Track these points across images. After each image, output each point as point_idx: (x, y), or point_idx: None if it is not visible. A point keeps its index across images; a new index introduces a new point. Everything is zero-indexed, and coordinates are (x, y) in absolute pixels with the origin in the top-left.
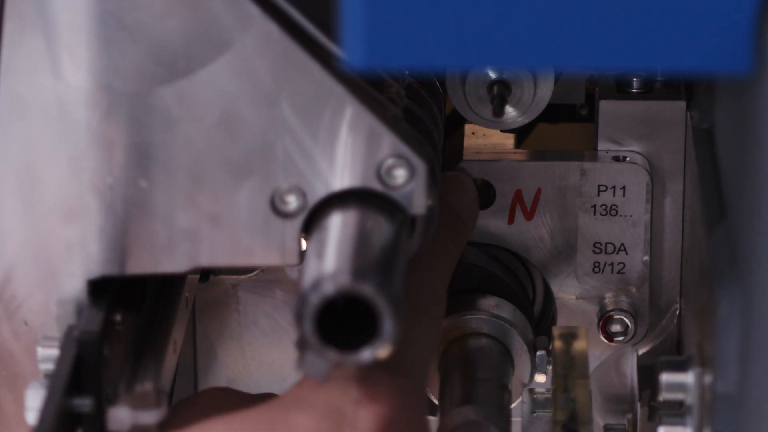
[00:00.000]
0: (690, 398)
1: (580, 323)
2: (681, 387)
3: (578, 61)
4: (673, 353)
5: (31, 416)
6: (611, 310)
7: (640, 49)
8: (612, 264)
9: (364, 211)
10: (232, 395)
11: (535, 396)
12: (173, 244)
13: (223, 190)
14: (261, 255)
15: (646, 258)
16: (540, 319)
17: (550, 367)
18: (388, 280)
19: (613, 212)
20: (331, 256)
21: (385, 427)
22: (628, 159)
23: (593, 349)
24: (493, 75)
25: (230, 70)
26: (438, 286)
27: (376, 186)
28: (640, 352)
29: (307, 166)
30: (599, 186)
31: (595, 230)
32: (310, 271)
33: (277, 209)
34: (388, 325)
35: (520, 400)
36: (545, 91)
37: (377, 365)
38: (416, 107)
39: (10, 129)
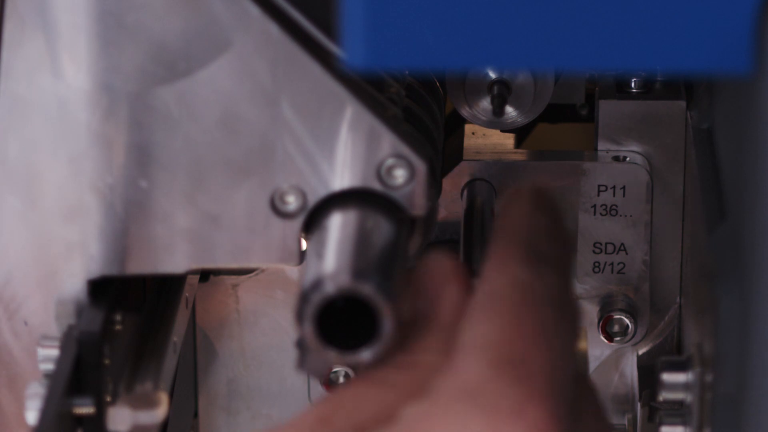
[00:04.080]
0: (690, 398)
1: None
2: (681, 387)
3: (578, 61)
4: (673, 353)
5: (31, 416)
6: (611, 310)
7: (640, 49)
8: (612, 264)
9: (364, 211)
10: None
11: None
12: (173, 244)
13: (223, 190)
14: (261, 255)
15: (646, 258)
16: None
17: None
18: (388, 280)
19: (613, 212)
20: (331, 256)
21: None
22: (628, 159)
23: (593, 349)
24: (493, 75)
25: (230, 70)
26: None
27: (376, 186)
28: (640, 352)
29: (307, 166)
30: (599, 186)
31: (595, 230)
32: (310, 271)
33: (277, 209)
34: (387, 324)
35: None
36: (545, 92)
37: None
38: (416, 107)
39: (11, 129)
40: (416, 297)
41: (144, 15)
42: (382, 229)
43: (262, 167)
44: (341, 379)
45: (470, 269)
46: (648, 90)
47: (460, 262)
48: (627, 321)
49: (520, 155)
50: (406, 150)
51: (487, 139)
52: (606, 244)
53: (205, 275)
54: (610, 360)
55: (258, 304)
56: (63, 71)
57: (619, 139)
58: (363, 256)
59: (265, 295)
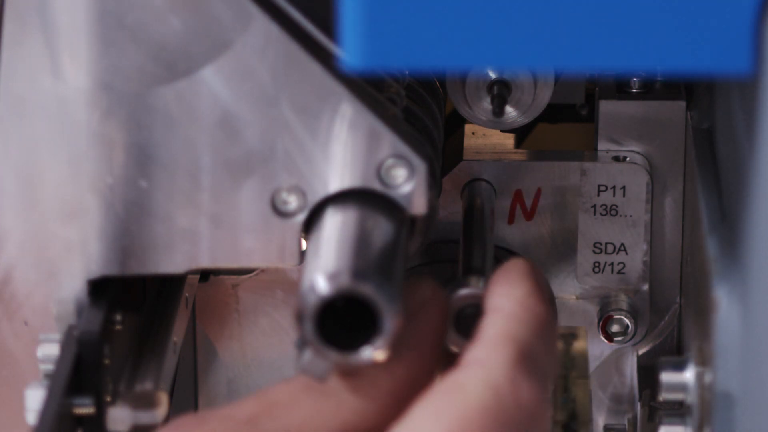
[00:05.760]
0: (690, 398)
1: (580, 323)
2: (681, 387)
3: (578, 62)
4: (673, 353)
5: (31, 416)
6: (611, 310)
7: (640, 49)
8: (612, 264)
9: (364, 211)
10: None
11: None
12: (173, 245)
13: (223, 190)
14: (261, 255)
15: (646, 258)
16: None
17: None
18: (388, 280)
19: (613, 212)
20: (330, 256)
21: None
22: (628, 159)
23: (593, 349)
24: (493, 75)
25: (230, 69)
26: None
27: (376, 186)
28: (640, 352)
29: (307, 166)
30: (599, 186)
31: (595, 230)
32: (310, 271)
33: (277, 209)
34: (388, 324)
35: None
36: (545, 92)
37: None
38: (416, 107)
39: (11, 129)
40: None
41: (144, 15)
42: (382, 229)
43: (262, 167)
44: None
45: (470, 267)
46: (648, 90)
47: (440, 289)
48: (627, 321)
49: (520, 155)
50: (406, 150)
51: (487, 139)
52: (606, 244)
53: (205, 275)
54: (610, 360)
55: (258, 304)
56: (63, 71)
57: (619, 139)
58: (363, 256)
59: (265, 295)
